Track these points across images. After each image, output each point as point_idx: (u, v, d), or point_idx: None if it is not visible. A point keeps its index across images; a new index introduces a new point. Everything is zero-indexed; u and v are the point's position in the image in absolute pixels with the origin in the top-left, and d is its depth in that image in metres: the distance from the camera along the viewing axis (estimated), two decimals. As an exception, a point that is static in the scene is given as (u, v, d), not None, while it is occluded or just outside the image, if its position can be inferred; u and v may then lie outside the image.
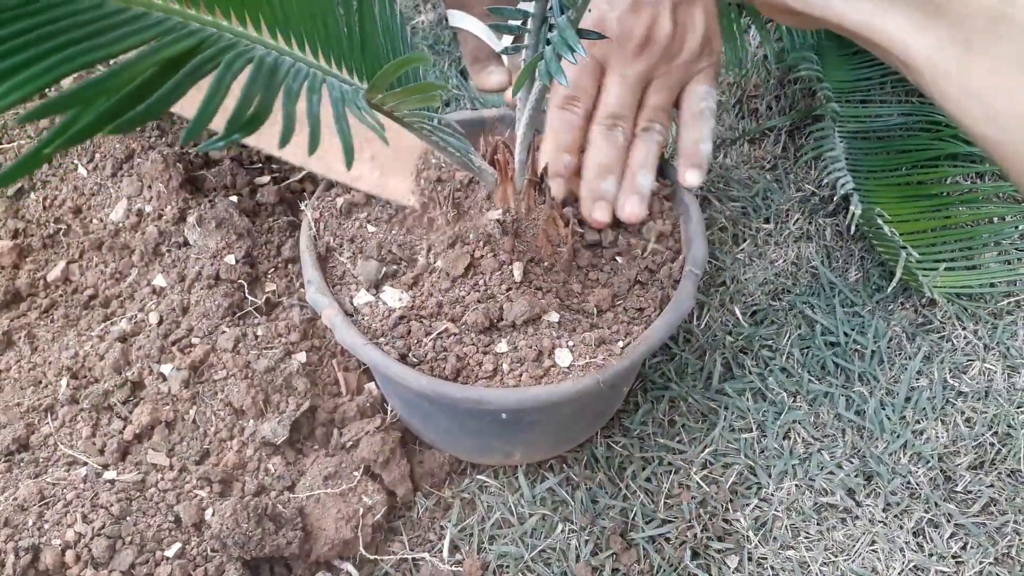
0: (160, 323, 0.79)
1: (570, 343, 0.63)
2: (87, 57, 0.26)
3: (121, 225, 0.87)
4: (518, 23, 0.54)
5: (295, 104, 0.31)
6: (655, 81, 0.69)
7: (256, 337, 0.77)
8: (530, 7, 0.53)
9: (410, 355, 0.63)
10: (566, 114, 0.68)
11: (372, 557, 0.72)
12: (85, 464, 0.70)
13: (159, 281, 0.83)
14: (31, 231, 0.88)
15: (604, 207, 0.68)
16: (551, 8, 0.52)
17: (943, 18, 0.37)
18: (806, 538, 0.75)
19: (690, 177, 0.71)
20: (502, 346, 0.63)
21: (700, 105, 0.70)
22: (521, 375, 0.62)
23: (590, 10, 0.66)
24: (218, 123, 0.31)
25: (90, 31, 0.26)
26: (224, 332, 0.77)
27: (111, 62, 0.26)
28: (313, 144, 0.29)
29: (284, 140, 0.28)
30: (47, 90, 0.27)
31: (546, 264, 0.66)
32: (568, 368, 0.62)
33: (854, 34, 0.42)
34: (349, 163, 0.32)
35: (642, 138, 0.69)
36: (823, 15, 0.41)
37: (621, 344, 0.63)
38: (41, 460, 0.72)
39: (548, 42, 0.52)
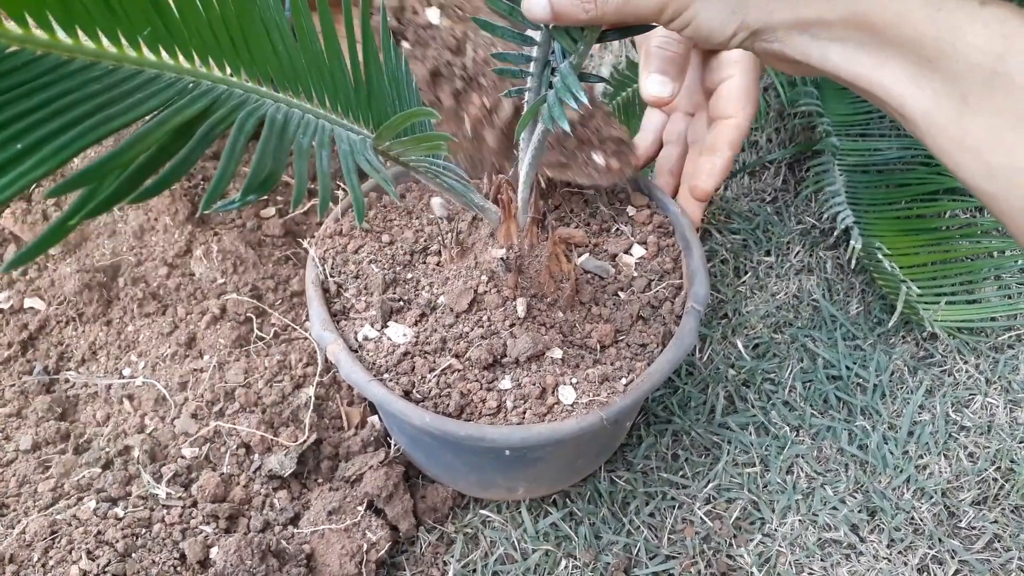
0: (172, 356, 0.79)
1: (574, 380, 0.64)
2: (106, 127, 0.27)
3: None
4: (520, 67, 0.55)
5: (306, 162, 0.32)
6: None
7: (265, 369, 0.78)
8: (533, 52, 0.53)
9: (414, 391, 0.63)
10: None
11: (375, 593, 0.72)
12: (93, 499, 0.70)
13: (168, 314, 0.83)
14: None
15: None
16: (553, 53, 0.53)
17: (938, 73, 0.38)
18: (810, 574, 0.75)
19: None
20: (506, 383, 0.64)
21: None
22: (525, 412, 0.62)
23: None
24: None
25: (106, 99, 0.27)
26: (232, 364, 0.78)
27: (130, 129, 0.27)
28: (323, 204, 0.30)
29: (296, 201, 0.29)
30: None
31: (549, 300, 0.67)
32: (572, 405, 0.62)
33: (851, 85, 0.42)
34: (360, 218, 0.33)
35: None
36: (821, 66, 0.42)
37: (624, 381, 0.64)
38: (47, 493, 0.72)
39: (551, 86, 0.53)
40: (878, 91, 0.41)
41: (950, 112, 0.38)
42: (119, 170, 0.25)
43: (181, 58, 0.35)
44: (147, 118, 0.29)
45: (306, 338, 0.82)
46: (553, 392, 0.63)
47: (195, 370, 0.78)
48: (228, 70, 0.35)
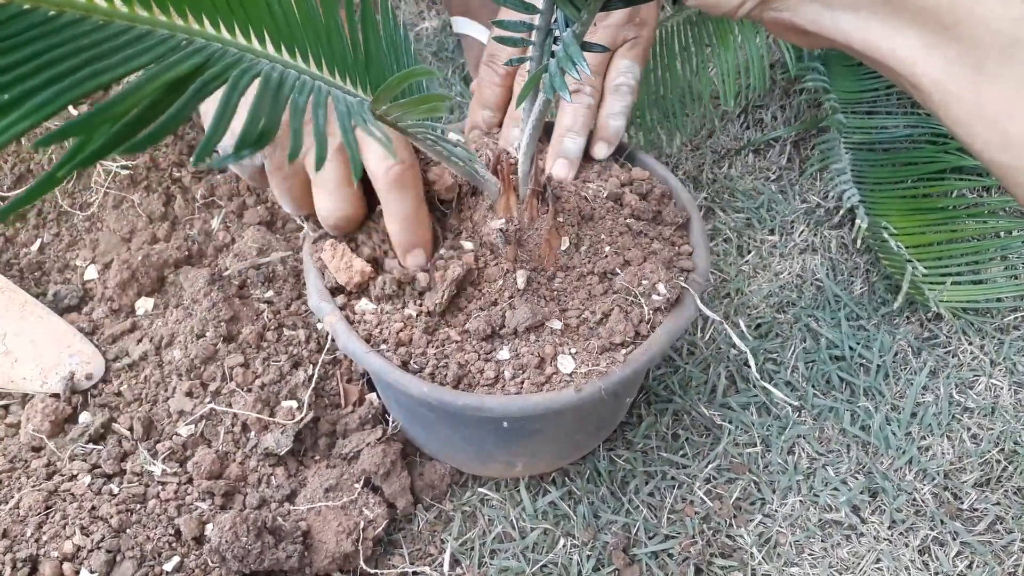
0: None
1: (573, 350, 0.63)
2: (94, 81, 0.26)
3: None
4: (521, 35, 0.54)
5: (302, 120, 0.31)
6: None
7: (262, 347, 0.77)
8: (535, 19, 0.52)
9: (411, 362, 0.62)
10: (488, 70, 0.70)
11: (372, 571, 0.71)
12: (87, 474, 0.69)
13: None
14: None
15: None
16: (556, 21, 0.52)
17: (954, 41, 0.37)
18: (810, 555, 0.74)
19: (597, 150, 0.72)
20: (504, 353, 0.63)
21: (619, 79, 0.71)
22: (523, 382, 0.61)
23: None
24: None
25: (96, 54, 0.26)
26: (229, 343, 0.77)
27: (121, 83, 0.26)
28: (319, 160, 0.29)
29: (292, 155, 0.28)
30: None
31: (548, 273, 0.66)
32: (570, 375, 0.62)
33: (862, 55, 0.41)
34: (357, 175, 0.32)
35: (572, 100, 0.71)
36: (832, 36, 0.41)
37: (624, 351, 0.63)
38: (41, 469, 0.71)
39: (552, 55, 0.52)
40: (890, 60, 0.40)
41: (965, 81, 0.37)
42: (109, 123, 0.25)
43: (174, 14, 0.34)
44: (138, 74, 0.28)
45: (305, 315, 0.81)
46: (552, 362, 0.62)
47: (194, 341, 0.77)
48: (222, 28, 0.34)
